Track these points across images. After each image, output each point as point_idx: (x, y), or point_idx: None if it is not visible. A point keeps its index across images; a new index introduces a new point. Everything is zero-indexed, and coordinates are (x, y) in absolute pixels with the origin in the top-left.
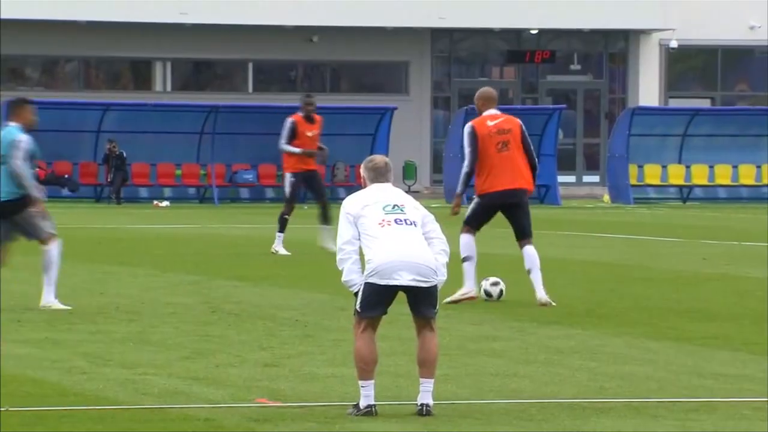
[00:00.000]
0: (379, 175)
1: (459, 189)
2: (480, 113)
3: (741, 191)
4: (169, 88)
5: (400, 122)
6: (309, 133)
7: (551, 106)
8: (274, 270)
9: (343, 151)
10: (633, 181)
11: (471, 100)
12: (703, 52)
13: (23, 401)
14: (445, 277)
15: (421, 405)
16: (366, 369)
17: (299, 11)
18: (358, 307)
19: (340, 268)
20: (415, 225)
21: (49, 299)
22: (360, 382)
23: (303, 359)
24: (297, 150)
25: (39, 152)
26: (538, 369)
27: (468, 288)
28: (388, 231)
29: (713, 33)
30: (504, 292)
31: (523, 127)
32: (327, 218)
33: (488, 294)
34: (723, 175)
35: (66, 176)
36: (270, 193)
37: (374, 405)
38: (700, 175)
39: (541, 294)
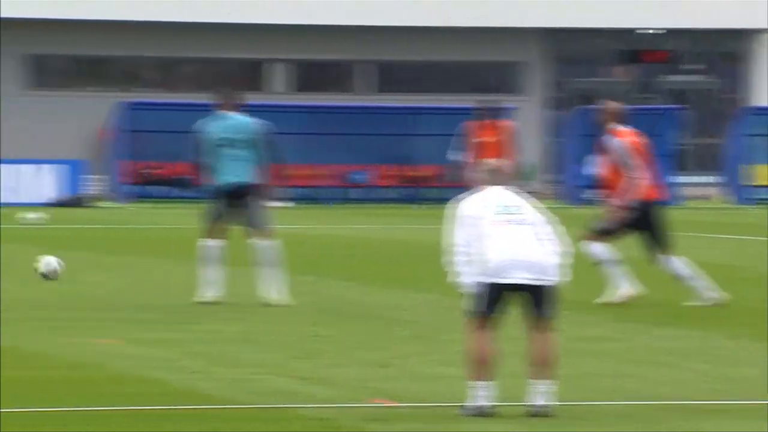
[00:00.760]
0: (494, 177)
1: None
2: (607, 126)
3: None
4: (281, 88)
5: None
6: None
7: (668, 106)
8: (384, 270)
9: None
10: (754, 181)
11: (585, 100)
12: None
13: (129, 400)
14: (557, 278)
15: (538, 406)
16: (479, 369)
17: (424, 10)
18: (472, 306)
19: (451, 269)
20: (530, 224)
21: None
22: (471, 383)
23: (414, 359)
24: None
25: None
26: (649, 370)
27: (624, 288)
28: (503, 230)
29: None
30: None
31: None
32: None
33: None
34: None
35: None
36: (383, 193)
37: (488, 406)
38: None
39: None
